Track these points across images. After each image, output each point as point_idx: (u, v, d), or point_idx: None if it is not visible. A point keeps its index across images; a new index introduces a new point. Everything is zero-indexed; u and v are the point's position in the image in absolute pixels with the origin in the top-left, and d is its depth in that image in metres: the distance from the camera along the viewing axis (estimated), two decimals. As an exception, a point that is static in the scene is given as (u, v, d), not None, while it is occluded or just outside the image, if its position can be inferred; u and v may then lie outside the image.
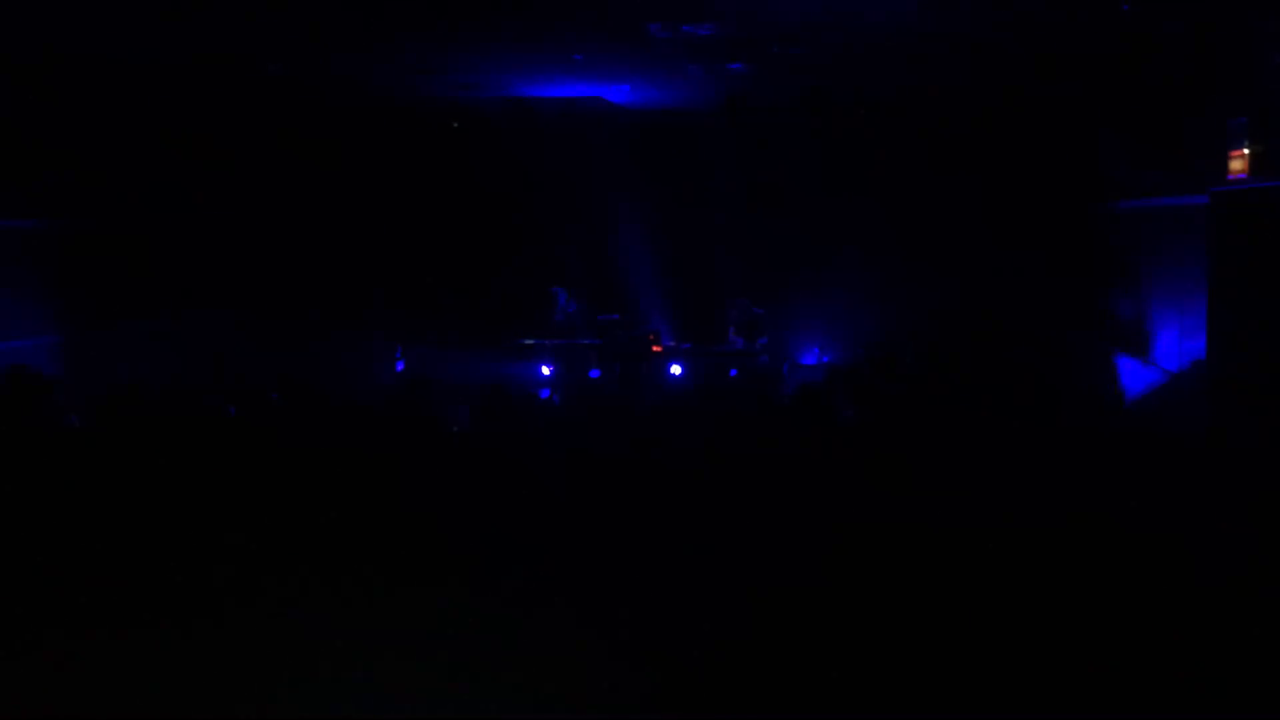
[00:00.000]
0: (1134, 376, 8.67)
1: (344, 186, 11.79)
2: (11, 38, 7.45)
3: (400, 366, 11.50)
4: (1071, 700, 3.37)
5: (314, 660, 3.86)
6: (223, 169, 11.33)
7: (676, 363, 10.89)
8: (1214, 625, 3.64)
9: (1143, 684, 3.41)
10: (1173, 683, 3.39)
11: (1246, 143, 6.80)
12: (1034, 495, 4.69)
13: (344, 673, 3.77)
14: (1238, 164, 6.86)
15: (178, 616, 4.19)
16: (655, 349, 10.94)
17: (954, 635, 3.76)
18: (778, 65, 8.65)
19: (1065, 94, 9.84)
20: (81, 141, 9.99)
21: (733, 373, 10.78)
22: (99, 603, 4.27)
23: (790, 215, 11.65)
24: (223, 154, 11.34)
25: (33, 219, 9.63)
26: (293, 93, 10.03)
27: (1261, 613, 3.65)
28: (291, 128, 11.26)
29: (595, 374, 10.91)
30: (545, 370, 11.06)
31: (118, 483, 5.38)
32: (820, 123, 10.92)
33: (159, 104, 10.01)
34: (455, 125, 11.18)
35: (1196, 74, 7.91)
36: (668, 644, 3.91)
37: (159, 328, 10.60)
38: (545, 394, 10.62)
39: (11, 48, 7.78)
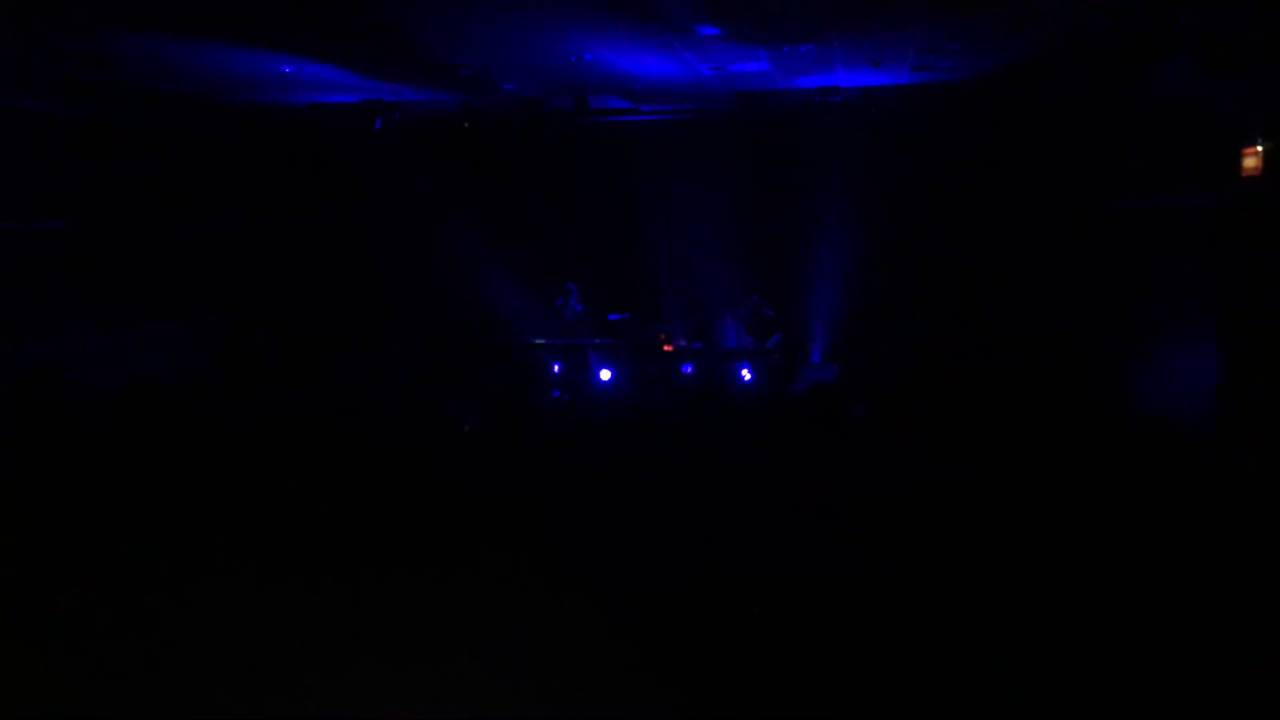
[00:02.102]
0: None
1: (358, 186, 11.84)
2: (37, 47, 7.52)
3: (414, 365, 11.50)
4: (1073, 698, 3.37)
5: (322, 655, 3.88)
6: (239, 172, 11.40)
7: (687, 363, 10.90)
8: (1219, 626, 3.63)
9: (1146, 683, 3.40)
10: (1178, 682, 3.38)
11: (1260, 140, 6.76)
12: (1042, 493, 4.68)
13: (352, 668, 3.80)
14: (1252, 161, 6.83)
15: (192, 611, 4.22)
16: (666, 349, 10.95)
17: (960, 633, 3.76)
18: (789, 64, 8.65)
19: (1077, 93, 9.81)
20: (100, 144, 10.07)
21: (744, 371, 10.78)
22: (114, 597, 4.31)
23: (801, 216, 11.63)
24: (239, 157, 11.41)
25: (52, 221, 9.71)
26: (302, 94, 10.07)
27: (1263, 612, 3.64)
28: (306, 130, 11.31)
29: (606, 373, 10.93)
30: (556, 369, 11.09)
31: (134, 479, 5.43)
32: (832, 124, 10.89)
33: (177, 108, 10.08)
34: (465, 125, 11.22)
35: (1208, 71, 7.87)
36: (675, 640, 3.92)
37: (176, 328, 10.68)
38: (556, 394, 10.64)
39: (34, 56, 7.84)
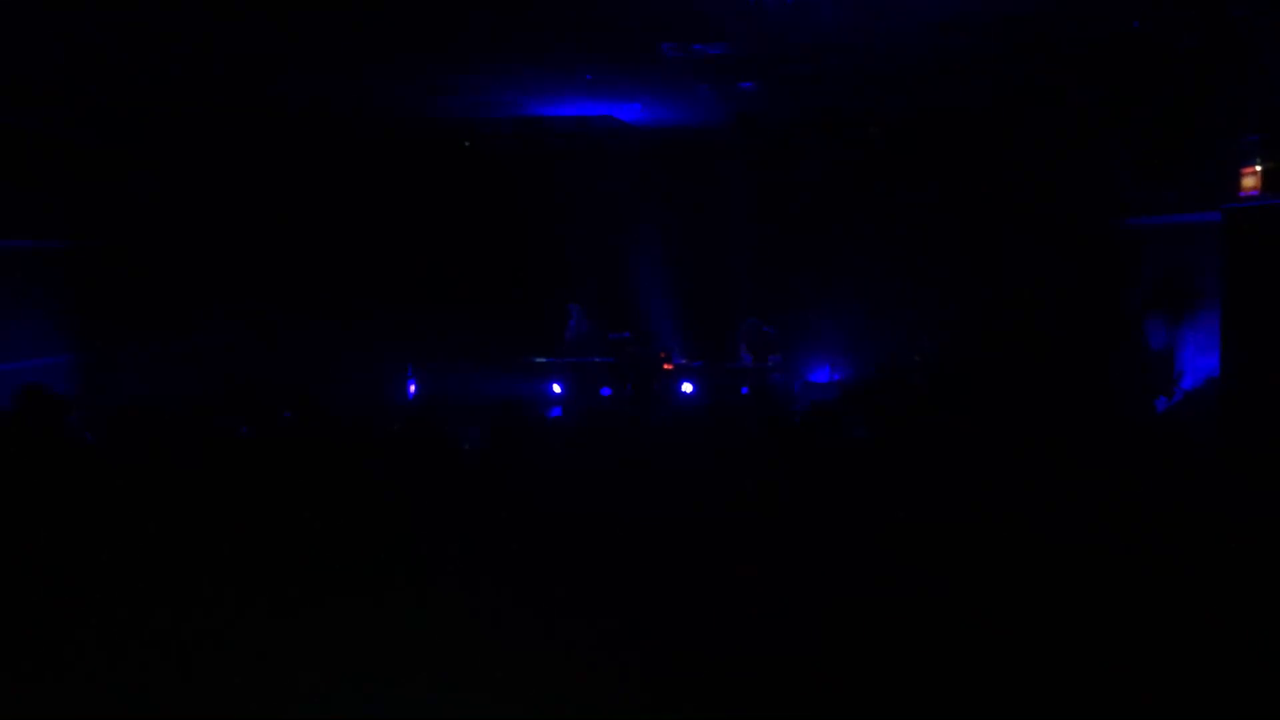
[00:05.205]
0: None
1: (356, 206, 11.86)
2: (29, 57, 7.54)
3: (411, 385, 11.51)
4: (1080, 709, 3.36)
5: (319, 679, 3.85)
6: (235, 188, 11.42)
7: (688, 381, 10.89)
8: (1223, 636, 3.62)
9: (1151, 688, 3.39)
10: (1182, 687, 3.37)
11: (1259, 160, 6.79)
12: (1047, 510, 4.66)
13: (348, 693, 3.77)
14: (1250, 181, 6.85)
15: (187, 633, 4.19)
16: (666, 367, 10.95)
17: (964, 657, 3.73)
18: (788, 84, 8.69)
19: (1076, 110, 9.85)
20: (95, 161, 10.09)
21: (744, 391, 10.77)
22: (109, 618, 4.28)
23: (801, 233, 11.66)
24: (236, 173, 11.43)
25: (47, 239, 9.71)
26: (305, 112, 10.10)
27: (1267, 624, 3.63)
28: (303, 148, 11.34)
29: (606, 392, 10.92)
30: (556, 388, 11.08)
31: (131, 500, 5.40)
32: (830, 140, 10.93)
33: (172, 124, 10.10)
34: (466, 144, 11.26)
35: (1208, 90, 7.90)
36: (677, 661, 3.90)
37: (172, 346, 10.66)
38: (556, 412, 10.63)
39: (27, 66, 7.87)
